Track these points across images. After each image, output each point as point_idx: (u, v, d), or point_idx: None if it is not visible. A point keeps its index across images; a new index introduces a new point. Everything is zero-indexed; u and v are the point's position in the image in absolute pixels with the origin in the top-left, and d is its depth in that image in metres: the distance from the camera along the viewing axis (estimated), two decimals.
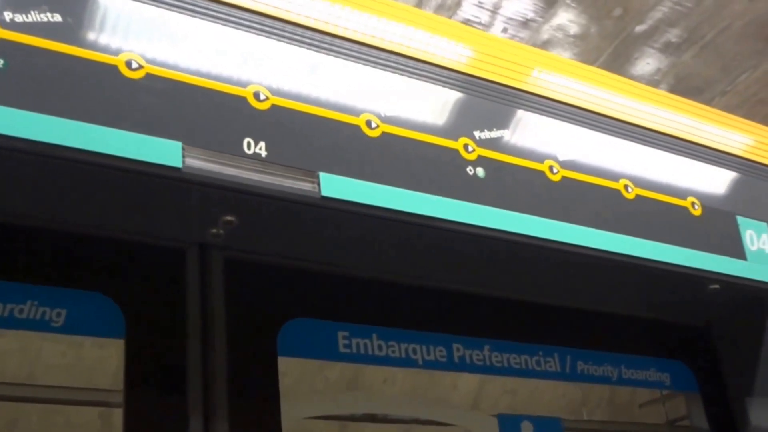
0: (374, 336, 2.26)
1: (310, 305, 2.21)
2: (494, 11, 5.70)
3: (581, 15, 5.61)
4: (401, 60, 2.28)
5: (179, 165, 1.80)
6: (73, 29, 1.85)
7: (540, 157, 2.38)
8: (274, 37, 2.09)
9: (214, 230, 2.04)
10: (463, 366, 2.39)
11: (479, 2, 5.62)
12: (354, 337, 2.23)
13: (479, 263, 2.37)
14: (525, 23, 5.78)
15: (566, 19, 5.66)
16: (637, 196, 2.53)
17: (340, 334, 2.21)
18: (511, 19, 5.79)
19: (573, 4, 5.53)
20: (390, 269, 2.34)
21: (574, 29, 5.68)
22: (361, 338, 2.24)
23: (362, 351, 2.23)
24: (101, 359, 3.54)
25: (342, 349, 2.20)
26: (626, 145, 2.63)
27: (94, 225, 2.00)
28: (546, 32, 5.82)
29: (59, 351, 3.80)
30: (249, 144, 1.91)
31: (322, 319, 2.21)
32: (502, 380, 3.73)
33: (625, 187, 2.52)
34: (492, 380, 3.89)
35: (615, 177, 2.51)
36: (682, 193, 2.64)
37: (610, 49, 5.70)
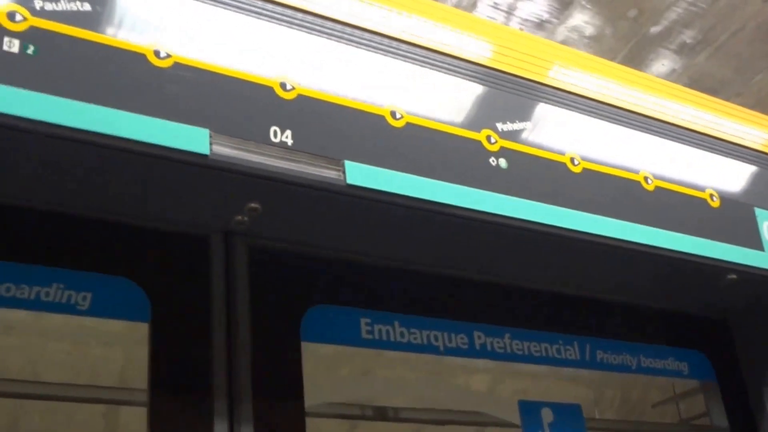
0: (396, 323, 2.24)
1: (333, 292, 2.20)
2: (509, 12, 5.67)
3: (596, 16, 5.56)
4: (425, 53, 2.27)
5: (206, 152, 1.79)
6: (102, 18, 1.84)
7: (561, 149, 2.36)
8: (301, 28, 2.08)
9: (239, 217, 2.03)
10: (483, 353, 2.36)
11: (495, 3, 5.59)
12: (376, 323, 2.21)
13: (500, 253, 2.35)
14: (540, 24, 5.74)
15: (581, 20, 5.62)
16: (657, 188, 2.50)
17: (363, 320, 2.20)
18: (526, 20, 5.76)
19: (588, 6, 5.49)
20: (412, 257, 2.32)
21: (589, 30, 5.64)
22: (383, 325, 2.22)
23: (384, 337, 2.21)
24: (106, 358, 3.48)
25: (364, 336, 2.19)
26: (646, 138, 2.61)
27: (120, 211, 1.99)
28: (561, 33, 5.78)
29: (63, 349, 3.73)
30: (275, 132, 1.90)
31: (345, 306, 2.19)
32: (513, 381, 3.68)
33: (645, 179, 2.49)
34: (502, 380, 3.85)
35: (635, 169, 2.49)
36: (701, 186, 2.60)
37: (625, 50, 5.65)
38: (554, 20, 5.65)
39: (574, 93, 2.54)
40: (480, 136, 2.22)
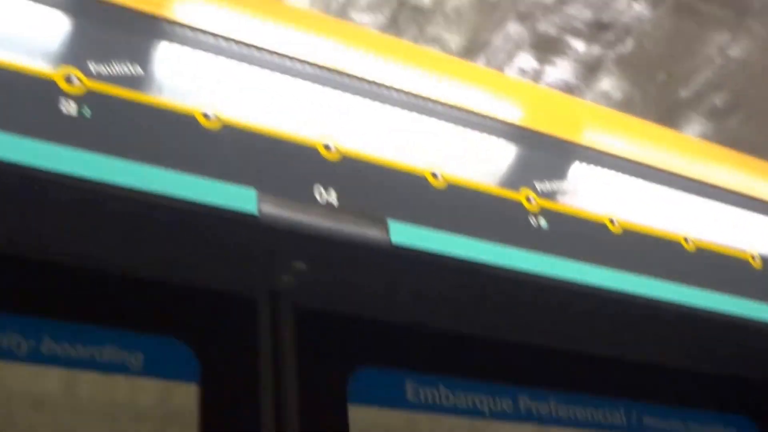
0: (441, 386, 2.26)
1: (379, 354, 2.22)
2: (536, 78, 5.79)
3: (624, 81, 5.67)
4: (463, 114, 2.35)
5: (254, 211, 1.84)
6: (153, 81, 1.93)
7: (600, 209, 2.40)
8: (344, 90, 2.16)
9: (285, 277, 2.07)
10: (529, 417, 2.37)
11: (521, 69, 5.71)
12: (422, 386, 2.23)
13: (543, 314, 2.37)
14: (567, 90, 5.84)
15: (609, 85, 5.73)
16: (698, 248, 2.53)
17: (409, 383, 2.21)
18: (553, 85, 5.87)
19: (615, 70, 5.60)
20: (457, 319, 2.35)
21: (617, 95, 5.74)
22: (428, 388, 2.23)
23: (430, 400, 2.22)
24: None
25: (410, 398, 2.20)
26: (685, 198, 2.65)
27: (168, 271, 2.03)
28: (589, 98, 5.88)
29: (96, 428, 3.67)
30: (320, 192, 1.95)
31: (391, 368, 2.21)
32: None
33: (685, 239, 2.52)
34: None
35: (675, 229, 2.52)
36: (742, 246, 2.63)
37: (654, 115, 5.74)
38: (581, 85, 5.76)
39: (611, 153, 2.60)
40: (520, 195, 2.27)
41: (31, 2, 1.91)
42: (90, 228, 1.89)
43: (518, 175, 2.33)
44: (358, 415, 2.09)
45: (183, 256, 1.99)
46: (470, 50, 5.61)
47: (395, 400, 2.18)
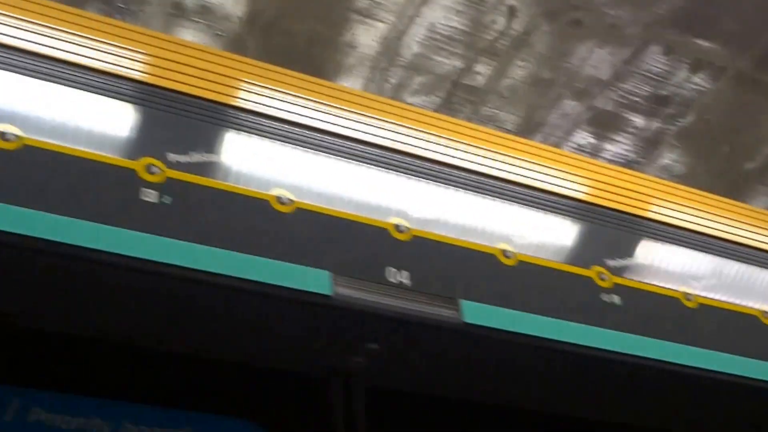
0: None
1: None
2: (594, 154, 5.82)
3: (686, 154, 5.68)
4: (531, 192, 2.41)
5: (329, 293, 1.90)
6: (228, 168, 2.03)
7: (674, 284, 2.42)
8: (413, 173, 2.24)
9: (358, 358, 2.11)
10: None
11: (578, 146, 5.76)
12: None
13: (619, 392, 2.38)
14: (627, 165, 5.86)
15: (671, 159, 5.74)
16: None
17: None
18: (612, 161, 5.89)
19: (677, 144, 5.61)
20: (530, 397, 2.36)
21: (679, 169, 5.74)
22: None
23: None
24: None
25: None
26: (759, 272, 2.65)
27: (244, 353, 2.09)
28: (650, 173, 5.88)
29: None
30: (392, 273, 2.01)
31: None
32: None
33: (764, 313, 2.51)
34: None
35: (751, 304, 2.52)
36: None
37: (719, 188, 5.72)
38: (642, 160, 5.78)
39: (681, 227, 2.63)
40: (591, 272, 2.31)
41: (110, 99, 2.04)
42: (169, 313, 1.97)
43: (589, 253, 2.37)
44: None
45: (258, 338, 2.05)
46: (526, 129, 5.69)
47: None
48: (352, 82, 5.18)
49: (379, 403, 2.16)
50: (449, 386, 2.27)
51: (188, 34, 4.72)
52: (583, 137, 5.72)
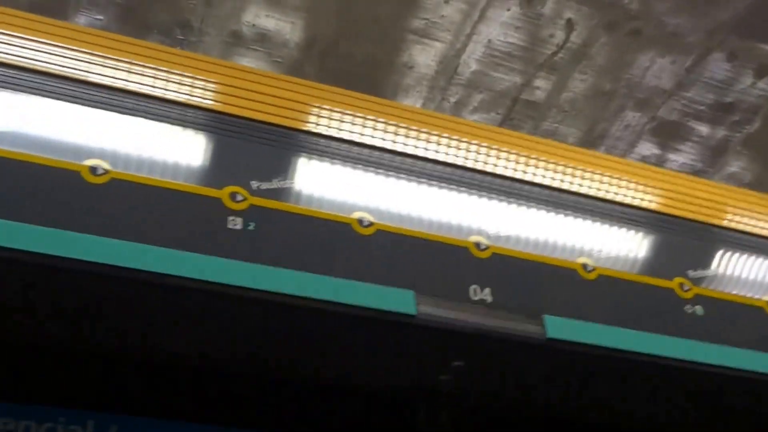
0: None
1: None
2: (659, 164, 5.79)
3: (754, 161, 5.62)
4: (610, 206, 2.43)
5: (414, 312, 1.95)
6: (308, 193, 2.09)
7: (756, 294, 2.42)
8: (491, 191, 2.29)
9: (443, 376, 2.15)
10: None
11: (643, 156, 5.73)
12: None
13: (703, 404, 2.38)
14: (693, 174, 5.82)
15: (737, 166, 5.69)
16: None
17: None
18: (678, 170, 5.85)
19: (744, 151, 5.56)
20: (619, 411, 2.38)
21: (748, 177, 5.68)
22: None
23: None
24: None
25: None
26: None
27: (330, 373, 2.15)
28: (717, 182, 5.83)
29: None
30: (475, 290, 2.06)
31: None
32: None
33: None
34: None
35: None
36: None
37: None
38: (709, 169, 5.74)
39: (760, 235, 2.62)
40: (673, 284, 2.33)
41: (189, 129, 2.12)
42: (257, 338, 2.03)
43: (670, 264, 2.39)
44: None
45: (344, 360, 2.11)
46: (588, 142, 5.69)
47: None
48: (411, 102, 5.24)
49: (465, 420, 2.20)
50: (533, 402, 2.30)
51: (247, 62, 4.83)
52: (647, 148, 5.70)
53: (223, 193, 1.99)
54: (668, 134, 5.56)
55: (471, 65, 5.07)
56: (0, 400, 1.98)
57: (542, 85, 5.23)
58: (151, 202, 1.91)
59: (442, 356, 2.11)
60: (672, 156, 5.76)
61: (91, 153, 1.94)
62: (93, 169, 1.90)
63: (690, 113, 5.43)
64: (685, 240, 2.48)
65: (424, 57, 5.04)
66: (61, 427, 2.03)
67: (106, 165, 1.92)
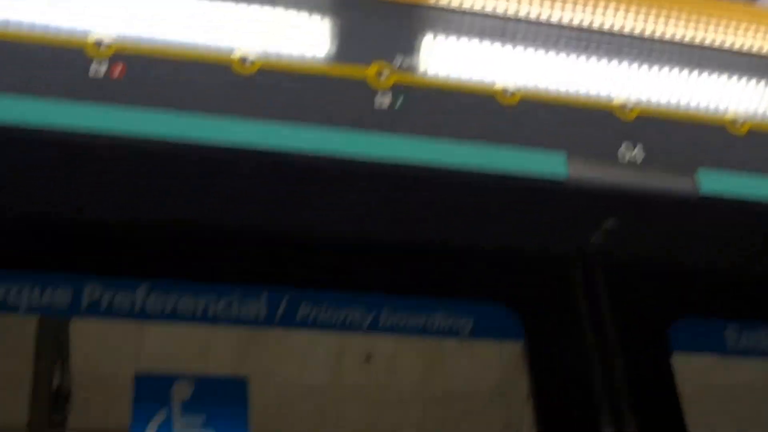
0: (763, 332, 2.36)
1: (694, 303, 2.36)
2: None
3: None
4: (757, 60, 2.43)
5: (565, 175, 2.03)
6: (451, 66, 2.17)
7: None
8: (634, 54, 2.32)
9: (595, 237, 2.25)
10: None
11: None
12: (744, 331, 2.35)
13: None
14: None
15: None
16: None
17: (728, 330, 2.34)
18: None
19: None
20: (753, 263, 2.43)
21: None
22: (750, 333, 2.35)
23: (752, 345, 2.34)
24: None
25: (730, 345, 2.33)
26: None
27: (484, 239, 2.27)
28: None
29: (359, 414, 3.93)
30: (624, 151, 2.12)
31: (708, 316, 2.35)
32: None
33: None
34: None
35: None
36: None
37: None
38: None
39: None
40: None
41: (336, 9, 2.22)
42: (415, 209, 2.16)
43: None
44: (680, 362, 2.25)
45: (500, 225, 2.22)
46: None
47: (716, 348, 2.33)
48: None
49: (619, 279, 2.30)
50: (689, 258, 2.36)
51: None
52: None
53: (370, 72, 2.08)
54: None
55: None
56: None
57: None
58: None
59: (594, 217, 2.20)
60: None
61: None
62: (242, 60, 2.01)
63: None
64: None
65: None
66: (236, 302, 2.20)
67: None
